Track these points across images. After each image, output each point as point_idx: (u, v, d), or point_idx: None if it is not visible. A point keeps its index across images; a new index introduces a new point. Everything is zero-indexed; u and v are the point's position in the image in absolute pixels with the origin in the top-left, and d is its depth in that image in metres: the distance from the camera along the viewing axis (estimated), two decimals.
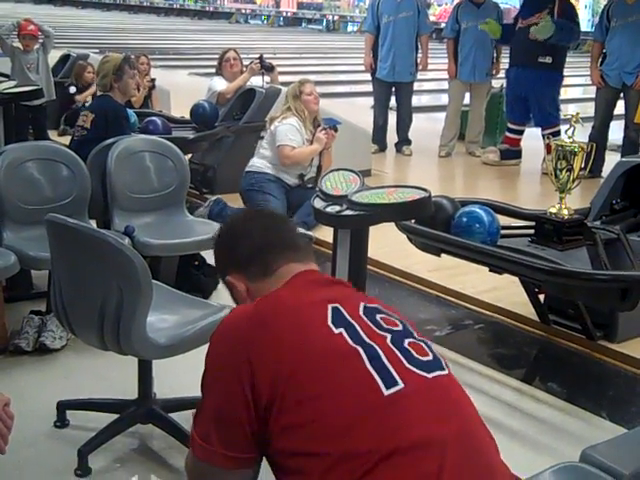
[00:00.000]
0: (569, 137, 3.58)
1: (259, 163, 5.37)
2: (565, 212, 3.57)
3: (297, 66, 14.97)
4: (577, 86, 9.80)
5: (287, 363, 1.51)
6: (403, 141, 8.09)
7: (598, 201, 4.00)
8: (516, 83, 7.33)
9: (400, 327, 1.65)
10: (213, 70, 6.93)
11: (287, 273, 1.72)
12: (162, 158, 4.07)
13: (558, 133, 6.71)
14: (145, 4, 36.75)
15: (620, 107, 7.14)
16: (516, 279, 3.69)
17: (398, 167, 7.84)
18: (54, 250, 2.66)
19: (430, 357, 1.62)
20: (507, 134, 7.66)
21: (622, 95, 7.07)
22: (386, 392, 1.50)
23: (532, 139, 7.69)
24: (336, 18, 29.19)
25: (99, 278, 2.50)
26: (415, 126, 8.19)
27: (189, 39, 22.15)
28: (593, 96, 7.41)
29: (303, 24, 30.14)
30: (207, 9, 34.22)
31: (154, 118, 5.82)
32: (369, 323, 1.62)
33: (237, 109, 6.33)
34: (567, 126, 3.63)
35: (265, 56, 6.65)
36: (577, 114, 3.61)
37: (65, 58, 8.72)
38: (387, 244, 4.07)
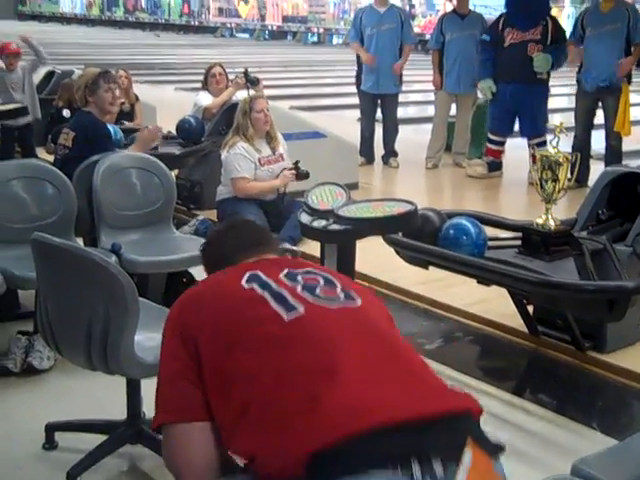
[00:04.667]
0: (554, 147, 3.59)
1: (225, 190, 5.27)
2: (552, 223, 3.58)
3: (283, 79, 15.01)
4: (561, 96, 9.87)
5: (206, 314, 1.76)
6: (390, 153, 8.09)
7: (584, 211, 4.00)
8: (510, 98, 7.28)
9: (320, 282, 1.83)
10: (199, 85, 6.92)
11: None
12: (148, 175, 4.06)
13: (544, 143, 6.73)
14: (130, 19, 36.78)
15: (601, 116, 7.18)
16: (504, 291, 3.69)
17: (385, 180, 7.86)
18: (40, 269, 2.64)
19: (341, 296, 1.80)
20: (490, 146, 7.64)
21: (600, 104, 7.12)
22: (286, 317, 1.70)
23: (517, 149, 7.73)
24: (321, 31, 29.27)
25: (85, 297, 2.48)
26: (402, 138, 8.20)
27: (175, 54, 22.18)
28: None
29: (289, 37, 30.22)
30: (192, 23, 34.26)
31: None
32: (285, 280, 1.81)
33: (223, 124, 6.31)
34: (552, 136, 3.65)
35: (250, 70, 6.66)
36: (561, 124, 3.63)
37: (50, 75, 8.69)
38: (375, 257, 4.07)
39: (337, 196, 3.16)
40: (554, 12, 22.01)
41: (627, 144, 7.27)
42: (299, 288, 1.78)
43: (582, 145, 7.05)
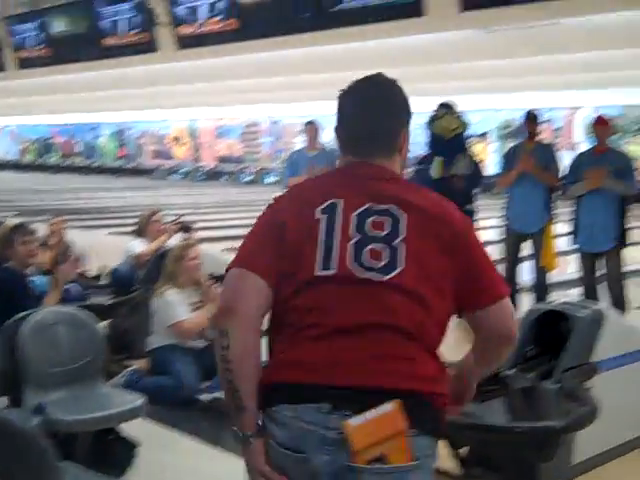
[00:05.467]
0: None
1: (157, 339, 5.20)
2: None
3: (218, 220, 15.17)
4: (490, 228, 10.16)
5: (281, 225, 2.01)
6: None
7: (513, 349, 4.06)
8: None
9: (384, 232, 1.98)
10: (133, 229, 6.97)
11: (342, 163, 2.15)
12: (76, 329, 4.03)
13: None
14: (64, 164, 37.04)
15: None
16: None
17: None
18: None
19: (382, 263, 1.95)
20: None
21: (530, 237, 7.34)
22: (318, 272, 1.95)
23: None
24: (256, 170, 29.86)
25: (3, 463, 2.41)
26: None
27: (109, 197, 22.32)
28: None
29: (224, 177, 30.73)
30: (128, 166, 34.68)
31: (68, 286, 5.77)
32: (352, 223, 2.00)
33: (155, 271, 6.32)
34: None
35: (184, 212, 6.74)
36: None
37: None
38: None
39: None
40: (480, 146, 22.95)
41: (556, 275, 7.50)
42: (352, 242, 1.98)
43: (508, 279, 7.23)
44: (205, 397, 4.91)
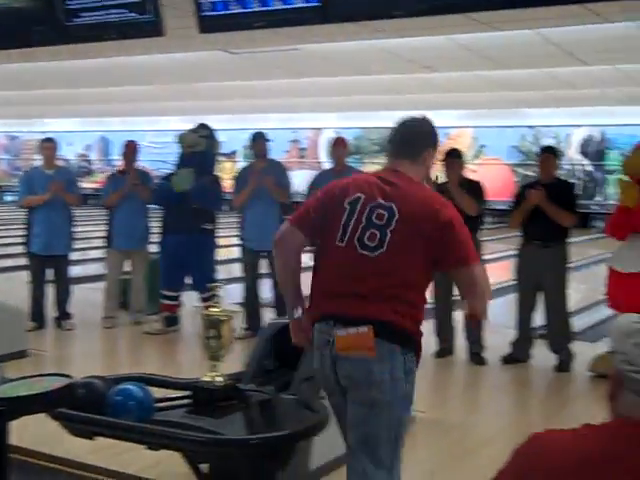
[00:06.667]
0: (216, 304, 3.70)
1: None
2: (219, 379, 3.63)
3: None
4: (229, 247, 10.29)
5: (325, 205, 3.21)
6: (63, 315, 7.84)
7: (251, 363, 4.14)
8: (178, 250, 7.40)
9: (383, 222, 3.04)
10: None
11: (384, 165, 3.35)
12: None
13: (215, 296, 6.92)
14: None
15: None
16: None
17: (59, 344, 7.50)
18: None
19: (373, 244, 3.04)
20: (164, 301, 7.66)
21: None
22: (338, 244, 3.10)
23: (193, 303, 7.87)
24: None
25: None
26: (78, 298, 8.00)
27: None
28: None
29: None
30: None
31: None
32: (363, 214, 3.08)
33: None
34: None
35: None
36: (219, 285, 3.79)
37: None
38: (38, 430, 3.84)
39: None
40: (229, 165, 23.11)
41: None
42: (361, 226, 3.06)
43: (251, 295, 7.38)
44: None
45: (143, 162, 8.85)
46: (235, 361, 4.68)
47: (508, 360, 6.55)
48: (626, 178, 6.09)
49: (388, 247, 3.01)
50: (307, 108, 19.76)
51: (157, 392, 3.59)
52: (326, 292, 3.13)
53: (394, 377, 3.00)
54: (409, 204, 3.06)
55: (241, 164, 24.16)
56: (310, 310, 3.22)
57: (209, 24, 6.67)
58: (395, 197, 3.07)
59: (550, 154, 6.85)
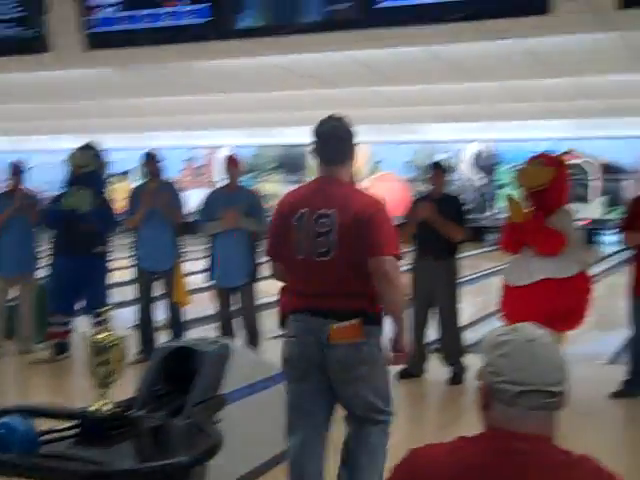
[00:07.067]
0: (106, 329, 3.58)
1: None
2: (107, 407, 3.50)
3: None
4: (122, 269, 10.03)
5: (279, 227, 3.71)
6: None
7: (143, 389, 4.02)
8: (69, 273, 7.21)
9: (326, 229, 3.49)
10: None
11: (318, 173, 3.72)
12: None
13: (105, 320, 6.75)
14: None
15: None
16: None
17: None
18: None
19: (324, 249, 3.50)
20: (52, 328, 7.41)
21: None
22: (297, 256, 3.57)
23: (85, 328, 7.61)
24: None
25: None
26: None
27: None
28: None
29: None
30: None
31: None
32: (310, 225, 3.53)
33: None
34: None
35: None
36: (110, 308, 3.68)
37: None
38: None
39: None
40: (123, 185, 22.71)
41: (194, 311, 7.61)
42: (312, 237, 3.52)
43: (146, 317, 7.23)
44: None
45: (31, 183, 8.54)
46: (129, 387, 4.56)
47: (403, 375, 6.60)
48: (514, 193, 6.25)
49: (336, 249, 3.48)
50: (201, 126, 19.60)
51: (45, 424, 3.44)
52: (297, 292, 3.64)
53: (373, 349, 3.59)
54: (348, 208, 3.50)
55: (135, 183, 23.83)
56: (285, 304, 3.71)
57: (96, 40, 6.54)
58: (335, 204, 3.51)
59: (439, 170, 6.97)
